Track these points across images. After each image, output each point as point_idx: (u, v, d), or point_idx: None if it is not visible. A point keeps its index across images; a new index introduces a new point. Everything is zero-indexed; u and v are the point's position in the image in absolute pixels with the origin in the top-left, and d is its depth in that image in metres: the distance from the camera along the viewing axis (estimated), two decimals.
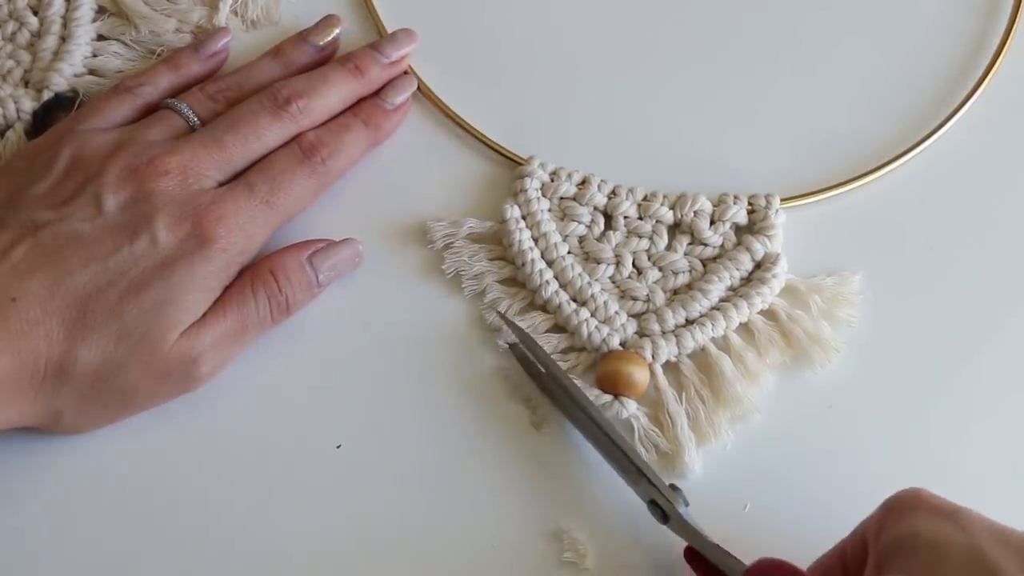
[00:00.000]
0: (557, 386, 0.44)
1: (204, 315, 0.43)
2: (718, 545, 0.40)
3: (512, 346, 0.46)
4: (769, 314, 0.47)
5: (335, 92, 0.48)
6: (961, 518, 0.35)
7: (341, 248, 0.47)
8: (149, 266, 0.42)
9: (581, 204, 0.49)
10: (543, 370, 0.44)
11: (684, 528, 0.41)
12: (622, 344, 0.46)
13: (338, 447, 0.44)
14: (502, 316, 0.46)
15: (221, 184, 0.45)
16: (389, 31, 0.53)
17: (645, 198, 0.49)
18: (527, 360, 0.45)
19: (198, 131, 0.46)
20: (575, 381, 0.44)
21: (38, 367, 0.40)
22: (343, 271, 0.47)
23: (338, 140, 0.47)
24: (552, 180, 0.49)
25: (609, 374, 0.45)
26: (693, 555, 0.41)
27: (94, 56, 0.52)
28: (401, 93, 0.50)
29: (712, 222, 0.48)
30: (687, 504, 0.41)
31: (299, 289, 0.45)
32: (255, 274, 0.44)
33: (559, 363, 0.45)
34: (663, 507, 0.41)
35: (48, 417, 0.41)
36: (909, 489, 0.37)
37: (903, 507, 0.36)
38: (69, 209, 0.42)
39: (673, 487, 0.42)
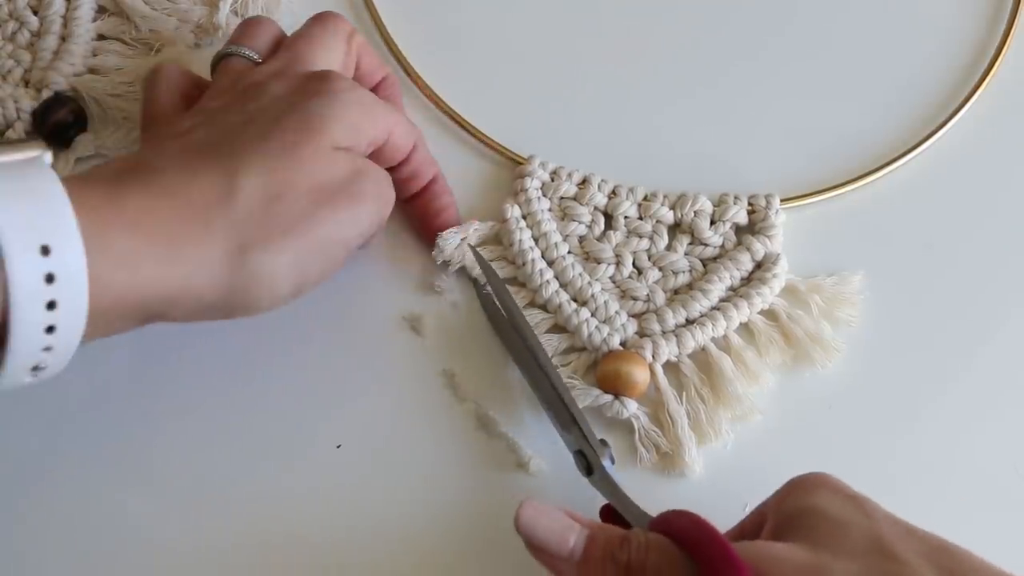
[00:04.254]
0: (514, 329, 0.45)
1: None
2: (637, 507, 0.40)
3: (476, 284, 0.47)
4: (769, 314, 0.47)
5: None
6: (862, 503, 0.37)
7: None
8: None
9: (581, 204, 0.49)
10: (503, 314, 0.45)
11: (606, 482, 0.41)
12: (622, 344, 0.46)
13: (338, 447, 0.44)
14: (474, 250, 0.47)
15: None
16: (390, 31, 0.53)
17: (645, 198, 0.49)
18: (489, 301, 0.46)
19: None
20: (534, 329, 0.45)
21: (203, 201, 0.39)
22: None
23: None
24: (552, 180, 0.49)
25: (609, 374, 0.45)
26: (610, 515, 0.41)
27: (94, 55, 0.52)
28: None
29: (712, 222, 0.48)
30: (613, 461, 0.42)
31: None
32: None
33: (559, 365, 0.46)
34: (588, 458, 0.42)
35: (235, 255, 0.39)
36: (815, 472, 0.38)
37: (809, 484, 0.38)
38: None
39: (603, 442, 0.43)
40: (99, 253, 0.35)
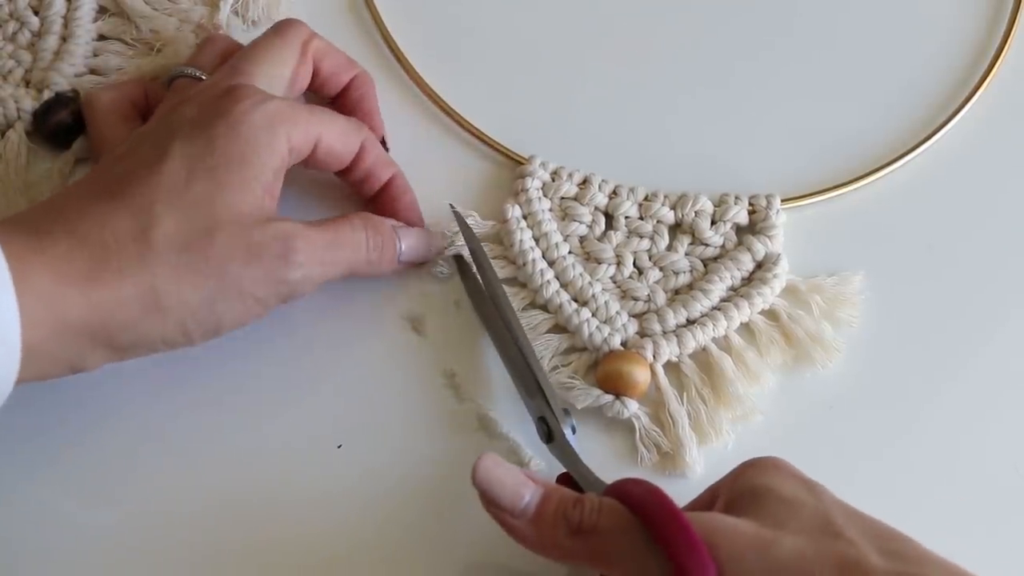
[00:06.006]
0: (490, 297, 0.45)
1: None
2: (595, 476, 0.41)
3: (456, 257, 0.47)
4: (770, 314, 0.47)
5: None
6: (813, 486, 0.37)
7: (426, 232, 0.47)
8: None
9: (582, 204, 0.49)
10: (480, 280, 0.46)
11: (565, 450, 0.42)
12: (623, 344, 0.46)
13: (339, 447, 0.44)
14: (455, 210, 0.47)
15: None
16: (390, 31, 0.53)
17: (646, 198, 0.49)
18: (466, 269, 0.46)
19: None
20: (508, 296, 0.46)
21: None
22: (421, 254, 0.47)
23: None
24: (553, 180, 0.49)
25: (610, 374, 0.45)
26: (567, 483, 0.41)
27: (95, 56, 0.52)
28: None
29: (713, 222, 0.48)
30: (575, 432, 0.43)
31: (388, 244, 0.45)
32: (348, 216, 0.45)
33: (560, 366, 0.46)
34: (550, 425, 0.42)
35: (147, 296, 0.39)
36: (769, 455, 0.39)
37: (762, 466, 0.38)
38: None
39: (566, 411, 0.43)
40: (26, 294, 0.36)
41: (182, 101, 0.44)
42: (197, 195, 0.40)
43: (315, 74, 0.48)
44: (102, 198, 0.40)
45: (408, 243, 0.46)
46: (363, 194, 0.48)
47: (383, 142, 0.49)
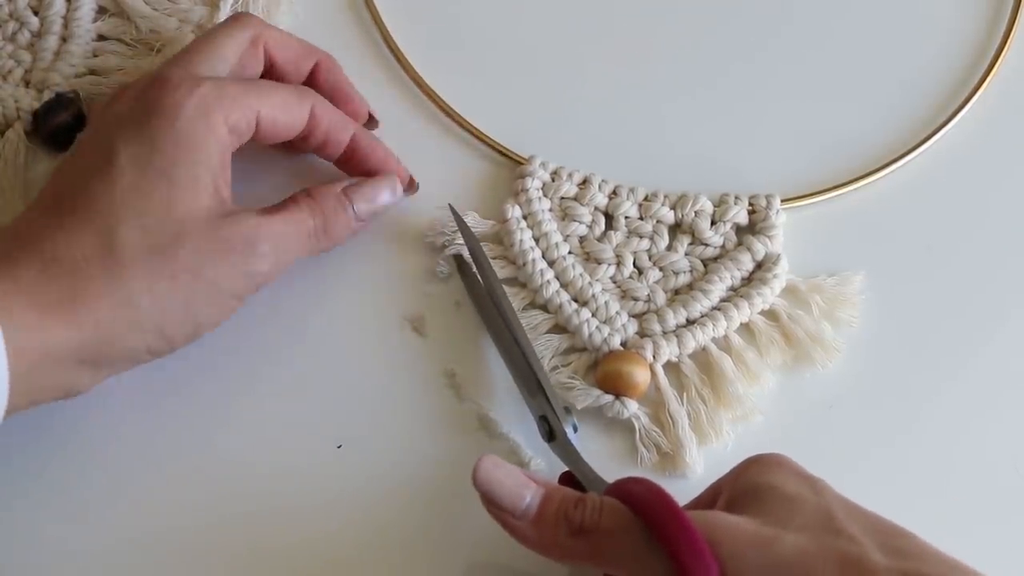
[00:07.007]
0: (490, 296, 0.45)
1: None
2: (597, 475, 0.41)
3: (456, 257, 0.47)
4: (770, 314, 0.47)
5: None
6: (815, 482, 0.38)
7: (377, 182, 0.46)
8: None
9: (582, 204, 0.49)
10: (480, 280, 0.46)
11: (567, 448, 0.42)
12: (623, 344, 0.46)
13: (338, 447, 0.44)
14: (453, 210, 0.47)
15: None
16: (391, 31, 0.53)
17: (646, 198, 0.49)
18: (466, 269, 0.47)
19: None
20: (508, 295, 0.46)
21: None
22: (380, 205, 0.46)
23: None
24: (553, 180, 0.49)
25: (610, 374, 0.45)
26: (569, 482, 0.41)
27: (94, 56, 0.51)
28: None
29: (713, 222, 0.48)
30: (576, 431, 0.43)
31: (331, 219, 0.44)
32: (295, 196, 0.44)
33: (560, 366, 0.46)
34: (551, 424, 0.42)
35: (126, 310, 0.39)
36: (772, 452, 0.39)
37: (765, 462, 0.39)
38: None
39: (567, 409, 0.43)
40: (8, 324, 0.36)
41: (118, 95, 0.44)
42: (155, 201, 0.40)
43: (272, 66, 0.47)
44: (64, 216, 0.40)
45: (361, 200, 0.46)
46: (329, 159, 0.47)
47: (372, 119, 0.49)
